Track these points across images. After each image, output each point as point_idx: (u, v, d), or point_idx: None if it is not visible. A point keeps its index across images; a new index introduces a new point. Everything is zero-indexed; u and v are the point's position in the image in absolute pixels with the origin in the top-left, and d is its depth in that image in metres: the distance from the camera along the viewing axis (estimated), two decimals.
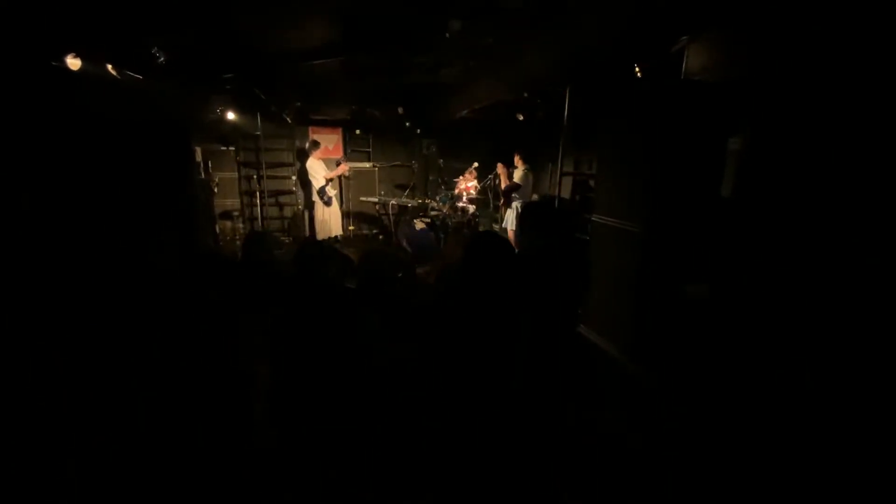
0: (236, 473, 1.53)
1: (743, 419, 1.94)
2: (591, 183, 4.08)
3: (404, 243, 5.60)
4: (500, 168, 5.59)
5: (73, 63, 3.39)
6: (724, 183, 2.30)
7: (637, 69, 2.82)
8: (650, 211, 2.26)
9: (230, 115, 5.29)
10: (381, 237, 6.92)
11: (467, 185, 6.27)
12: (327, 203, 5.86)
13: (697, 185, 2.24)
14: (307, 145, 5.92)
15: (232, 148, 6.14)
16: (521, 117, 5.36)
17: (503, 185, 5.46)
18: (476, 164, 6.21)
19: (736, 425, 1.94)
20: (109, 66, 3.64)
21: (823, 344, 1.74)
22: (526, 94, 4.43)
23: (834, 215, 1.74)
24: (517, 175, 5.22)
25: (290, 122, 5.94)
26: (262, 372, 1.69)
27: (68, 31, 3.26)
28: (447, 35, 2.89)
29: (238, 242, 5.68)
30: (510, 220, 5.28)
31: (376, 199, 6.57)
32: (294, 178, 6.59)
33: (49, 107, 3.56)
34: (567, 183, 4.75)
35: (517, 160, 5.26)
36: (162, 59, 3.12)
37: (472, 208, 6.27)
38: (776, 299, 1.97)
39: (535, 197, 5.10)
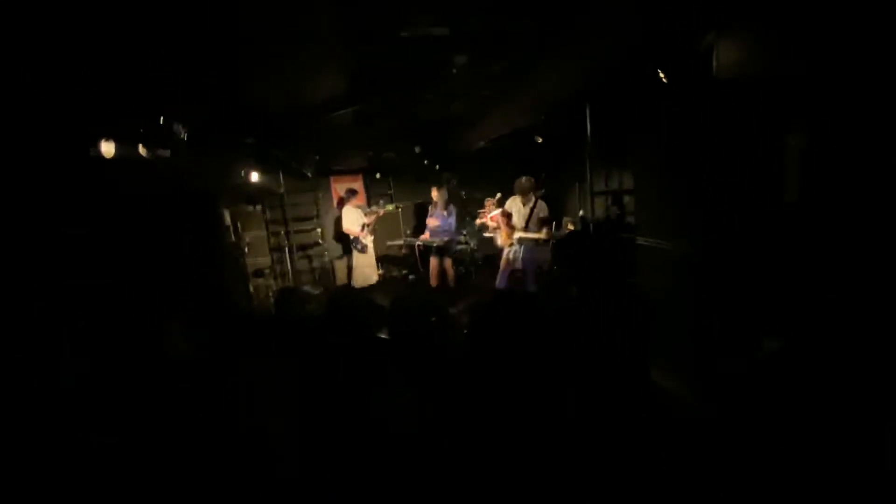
0: None
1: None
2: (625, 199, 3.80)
3: None
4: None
5: (108, 149, 3.53)
6: (787, 186, 1.99)
7: (661, 74, 2.61)
8: (705, 226, 1.98)
9: (254, 177, 5.44)
10: (411, 277, 6.80)
11: (492, 214, 6.08)
12: (361, 250, 5.86)
13: (754, 191, 1.96)
14: (343, 193, 5.95)
15: (258, 207, 6.31)
16: (539, 140, 5.20)
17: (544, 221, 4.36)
18: (499, 195, 6.03)
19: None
20: (140, 147, 3.80)
21: None
22: (543, 117, 4.28)
23: None
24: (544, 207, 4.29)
25: (310, 176, 6.06)
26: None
27: (99, 119, 3.43)
28: (454, 70, 2.83)
29: (272, 300, 5.70)
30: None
31: (401, 242, 6.49)
32: (319, 230, 6.66)
33: (87, 192, 3.74)
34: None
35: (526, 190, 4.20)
36: (183, 134, 3.21)
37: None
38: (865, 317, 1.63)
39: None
